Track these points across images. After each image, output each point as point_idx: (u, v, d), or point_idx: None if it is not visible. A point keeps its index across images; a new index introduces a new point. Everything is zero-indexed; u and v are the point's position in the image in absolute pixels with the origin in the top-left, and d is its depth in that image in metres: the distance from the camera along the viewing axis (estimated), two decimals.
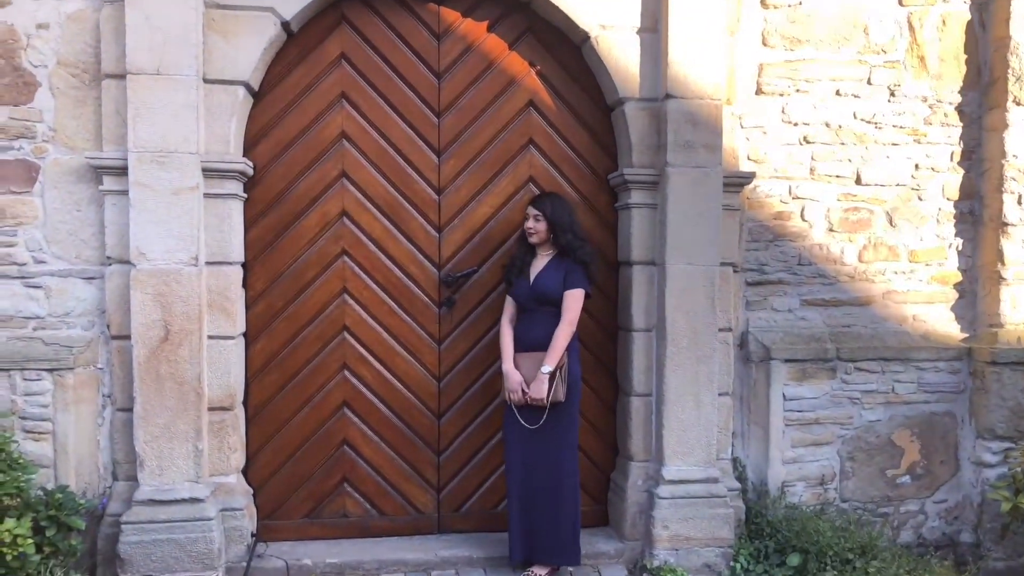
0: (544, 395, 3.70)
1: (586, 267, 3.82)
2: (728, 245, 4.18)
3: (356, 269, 4.13)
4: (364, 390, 4.17)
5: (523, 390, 3.74)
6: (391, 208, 4.15)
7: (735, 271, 4.27)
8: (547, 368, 3.70)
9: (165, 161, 3.63)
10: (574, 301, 3.77)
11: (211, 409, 3.81)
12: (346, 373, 4.15)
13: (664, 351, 4.03)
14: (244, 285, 4.02)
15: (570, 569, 3.92)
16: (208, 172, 3.73)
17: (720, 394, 4.16)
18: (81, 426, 3.78)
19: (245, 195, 3.97)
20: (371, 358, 4.17)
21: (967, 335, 4.55)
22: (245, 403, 4.05)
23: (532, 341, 3.82)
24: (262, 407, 4.09)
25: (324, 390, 4.14)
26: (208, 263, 3.78)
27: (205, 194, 3.74)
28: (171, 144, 3.63)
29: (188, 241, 3.66)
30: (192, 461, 3.70)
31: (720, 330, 4.13)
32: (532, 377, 3.74)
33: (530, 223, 3.85)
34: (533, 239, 3.86)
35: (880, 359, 4.37)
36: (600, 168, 4.31)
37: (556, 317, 3.76)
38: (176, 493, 3.68)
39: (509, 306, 3.99)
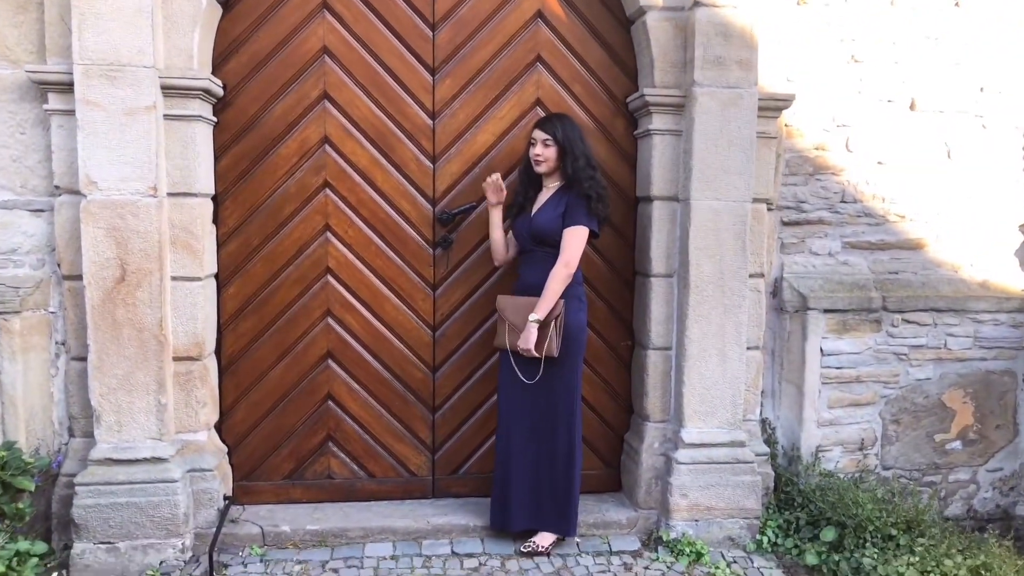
0: (530, 346, 3.31)
1: (589, 201, 3.36)
2: (762, 179, 3.72)
3: (340, 204, 3.73)
4: (350, 339, 3.79)
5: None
6: (379, 135, 3.72)
7: (769, 209, 3.82)
8: (534, 316, 3.30)
9: (117, 76, 3.21)
10: (573, 239, 3.33)
11: (176, 359, 3.46)
12: (330, 320, 3.77)
13: (687, 299, 3.60)
14: (215, 221, 3.63)
15: (576, 539, 3.58)
16: (168, 90, 3.30)
17: (749, 348, 3.74)
18: (31, 376, 3.43)
19: (214, 119, 3.56)
20: (358, 304, 3.78)
21: None
22: (218, 353, 3.69)
23: (529, 284, 3.42)
24: (237, 357, 3.73)
25: (306, 338, 3.77)
26: (170, 194, 3.38)
27: (165, 115, 3.33)
28: (123, 56, 3.21)
29: (145, 168, 3.26)
30: (154, 416, 3.35)
31: (751, 276, 3.70)
32: (523, 323, 3.35)
33: (538, 149, 3.40)
34: (541, 167, 3.43)
35: (932, 310, 3.92)
36: (617, 90, 3.83)
37: (556, 259, 3.35)
38: (136, 452, 3.34)
39: (513, 246, 3.61)
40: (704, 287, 3.61)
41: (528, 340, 3.32)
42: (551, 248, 3.36)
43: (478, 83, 3.75)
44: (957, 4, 3.86)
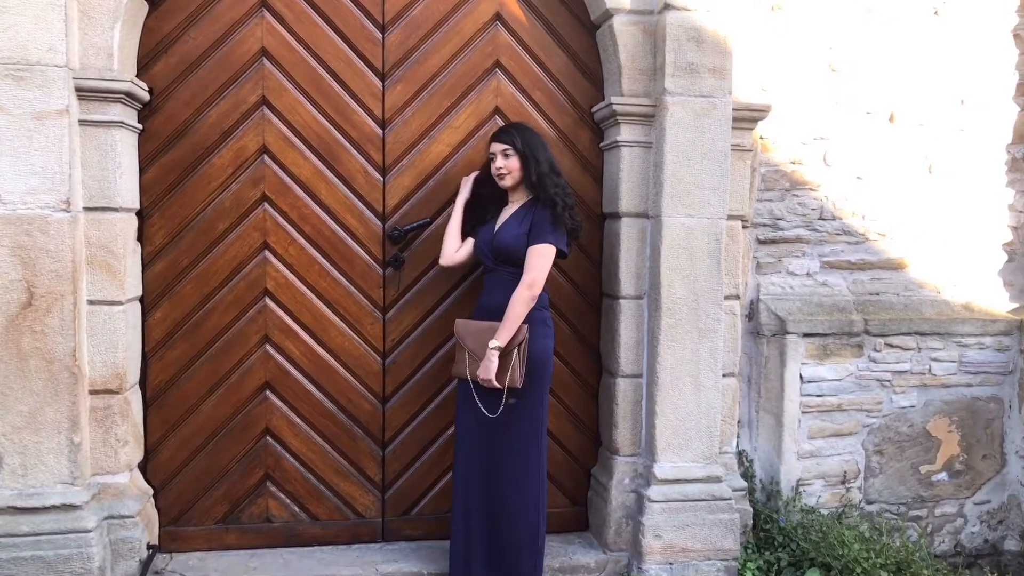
0: (491, 376, 3.02)
1: (555, 210, 3.07)
2: (737, 194, 3.51)
3: (280, 219, 3.42)
4: (291, 368, 3.47)
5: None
6: (324, 145, 3.43)
7: (744, 226, 3.61)
8: (495, 343, 3.01)
9: (24, 76, 2.88)
10: (538, 259, 3.05)
11: (94, 392, 3.11)
12: (268, 348, 3.45)
13: (658, 323, 3.36)
14: (140, 238, 3.31)
15: None
16: (84, 93, 2.98)
17: (724, 375, 3.51)
18: None
19: (139, 126, 3.24)
20: (299, 329, 3.47)
21: (1017, 305, 3.92)
22: (143, 384, 3.36)
23: (490, 307, 3.14)
24: (164, 389, 3.39)
25: (241, 368, 3.44)
26: (87, 209, 3.05)
27: (81, 121, 3.01)
28: (32, 54, 2.89)
29: (56, 180, 2.93)
30: (66, 458, 3.00)
31: (726, 298, 3.47)
32: (483, 351, 3.07)
33: (498, 162, 3.13)
34: (506, 181, 3.16)
35: (915, 333, 3.74)
36: (582, 99, 3.60)
37: (519, 279, 3.07)
38: (44, 498, 2.98)
39: (464, 248, 3.35)
40: (677, 310, 3.37)
41: (488, 370, 3.03)
42: (515, 268, 3.09)
43: (432, 89, 3.49)
44: (936, 13, 3.72)
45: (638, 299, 3.48)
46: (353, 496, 3.56)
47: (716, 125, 3.34)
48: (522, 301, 3.03)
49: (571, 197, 3.16)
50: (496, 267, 3.16)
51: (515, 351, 3.04)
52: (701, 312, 3.39)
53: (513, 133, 3.16)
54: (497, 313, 3.08)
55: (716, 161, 3.35)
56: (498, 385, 3.03)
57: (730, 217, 3.45)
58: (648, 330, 3.46)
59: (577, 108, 3.60)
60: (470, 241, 3.32)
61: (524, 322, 3.04)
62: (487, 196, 3.26)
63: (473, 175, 3.34)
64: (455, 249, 3.32)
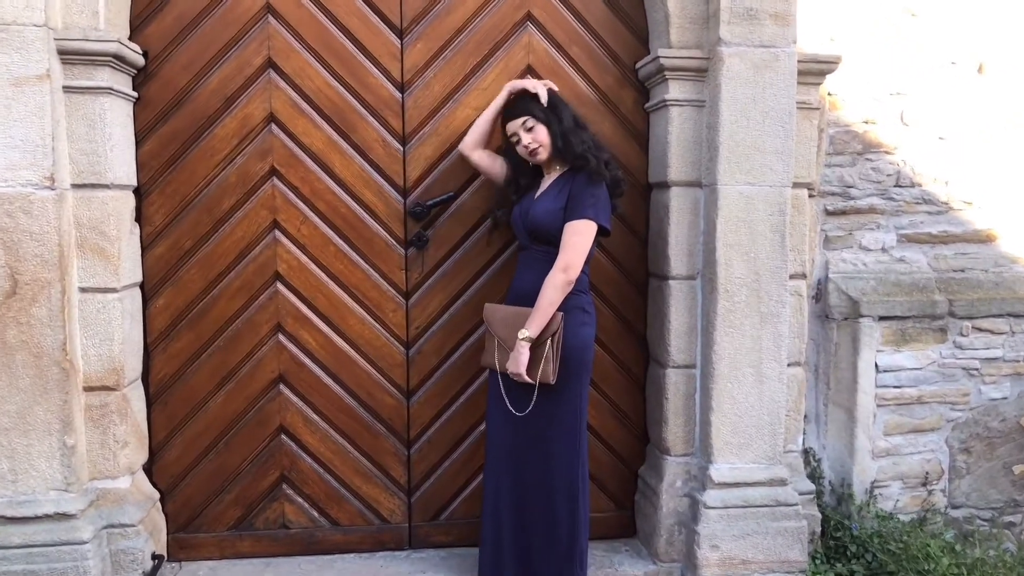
0: (521, 369, 2.68)
1: (592, 179, 2.71)
2: (802, 159, 3.12)
3: (291, 196, 3.12)
4: (306, 360, 3.18)
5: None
6: (337, 111, 3.11)
7: (811, 195, 3.21)
8: (524, 333, 2.67)
9: (0, 37, 2.62)
10: (576, 237, 2.68)
11: (88, 389, 2.85)
12: (281, 337, 3.16)
13: (714, 306, 3.00)
14: (138, 219, 3.03)
15: None
16: (68, 56, 2.69)
17: (789, 364, 3.13)
18: None
19: (134, 94, 2.96)
20: (314, 317, 3.17)
21: None
22: (145, 379, 3.09)
23: (523, 291, 2.80)
24: (168, 384, 3.12)
25: (252, 360, 3.15)
26: (75, 186, 2.77)
27: (66, 88, 2.72)
28: (7, 12, 2.60)
29: (38, 154, 2.64)
30: (59, 462, 2.74)
31: (791, 277, 3.09)
32: (514, 341, 2.73)
33: (524, 139, 2.78)
34: (540, 155, 2.79)
35: (1008, 315, 3.32)
36: (625, 54, 3.23)
37: (554, 259, 2.72)
38: (36, 507, 2.73)
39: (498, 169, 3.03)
40: (736, 292, 3.00)
41: (518, 363, 2.69)
42: (550, 247, 2.74)
43: (456, 47, 3.14)
44: None
45: (690, 279, 3.12)
46: (377, 499, 3.27)
47: (779, 79, 2.94)
48: (556, 286, 2.68)
49: (606, 152, 2.81)
50: (530, 245, 2.82)
51: (548, 342, 2.69)
52: (763, 294, 3.01)
53: (527, 100, 2.80)
54: (530, 298, 2.74)
55: (779, 121, 2.96)
56: (529, 380, 2.70)
57: (795, 185, 3.06)
58: (702, 314, 3.09)
59: (619, 65, 3.23)
60: (499, 159, 2.98)
61: (559, 309, 2.70)
62: (525, 179, 2.92)
63: (519, 83, 2.91)
64: (475, 144, 2.98)
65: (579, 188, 2.71)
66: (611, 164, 2.79)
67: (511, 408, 2.76)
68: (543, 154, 2.80)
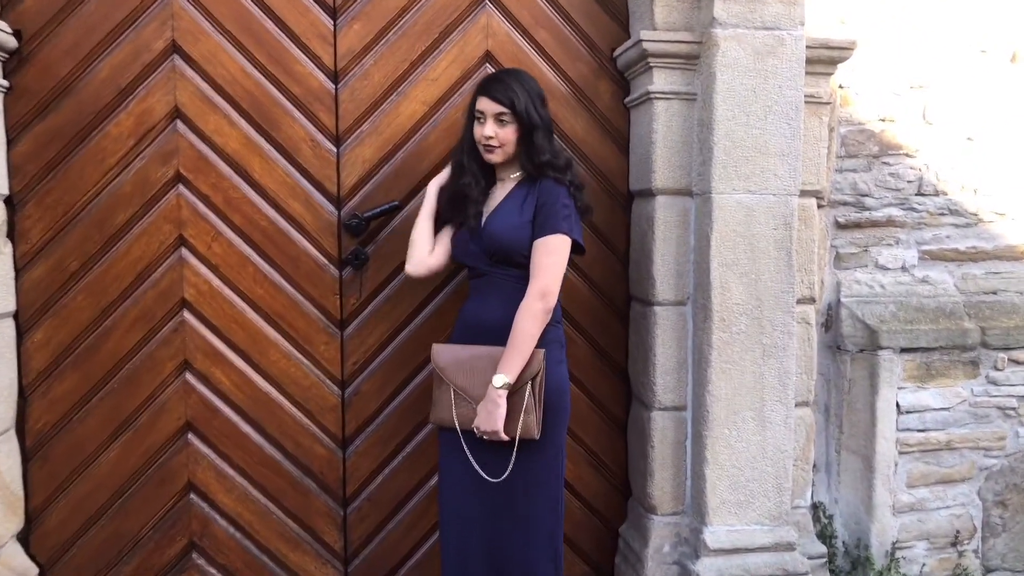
0: (498, 426, 2.19)
1: (569, 193, 2.27)
2: (811, 162, 2.67)
3: (200, 207, 2.62)
4: (220, 404, 2.67)
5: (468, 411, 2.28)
6: (256, 105, 2.61)
7: (820, 205, 2.76)
8: (502, 379, 2.17)
9: None
10: (551, 257, 2.21)
11: None
12: (189, 377, 2.65)
13: (708, 337, 2.54)
14: (10, 234, 2.52)
15: None
16: None
17: (797, 405, 2.70)
18: None
19: (5, 83, 2.45)
20: (229, 352, 2.67)
21: None
22: (20, 430, 2.57)
23: (482, 325, 2.30)
24: (50, 435, 2.59)
25: (154, 404, 2.63)
26: None
27: None
28: None
29: None
30: None
31: (799, 302, 2.65)
32: (481, 390, 2.27)
33: (489, 128, 2.26)
34: (496, 155, 2.30)
35: None
36: (602, 39, 2.77)
37: (524, 287, 2.24)
38: None
39: (441, 246, 2.49)
40: (734, 320, 2.54)
41: (494, 418, 2.17)
42: (515, 269, 2.26)
43: (400, 29, 2.66)
44: None
45: (679, 305, 2.65)
46: (307, 570, 2.74)
47: (784, 67, 2.49)
48: (534, 316, 2.18)
49: (572, 169, 2.33)
50: (489, 269, 2.33)
51: (527, 388, 2.20)
52: (766, 322, 2.55)
53: (514, 89, 2.26)
54: (492, 332, 2.25)
55: (784, 116, 2.51)
56: (506, 438, 2.21)
57: (802, 193, 2.62)
58: (694, 347, 2.63)
59: (595, 52, 2.77)
60: (446, 237, 2.47)
61: (538, 345, 2.23)
62: (466, 171, 2.41)
63: (439, 179, 2.45)
64: (428, 251, 2.45)
65: (548, 196, 2.23)
66: (578, 186, 2.31)
67: (482, 474, 2.26)
68: (499, 156, 2.29)
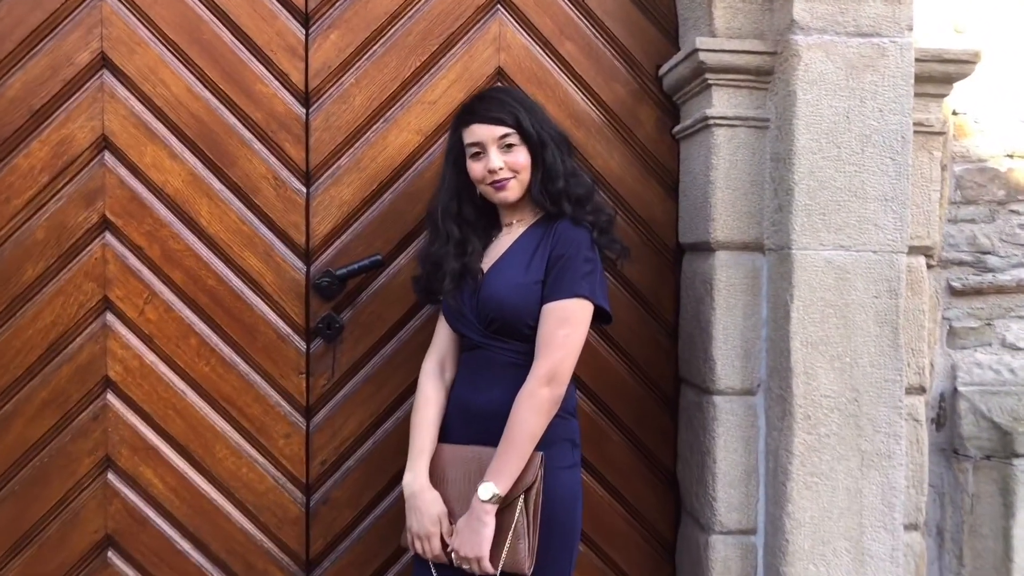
0: (482, 552, 1.63)
1: (598, 236, 1.75)
2: (918, 209, 2.06)
3: (131, 260, 2.08)
4: (150, 513, 2.10)
5: (442, 539, 1.72)
6: (206, 134, 2.09)
7: (929, 265, 2.17)
8: (490, 489, 1.63)
9: None
10: (564, 328, 1.68)
11: None
12: (112, 478, 2.09)
13: (788, 440, 1.92)
14: None
15: None
16: None
17: (906, 527, 2.07)
18: None
19: None
20: (164, 447, 2.10)
21: None
22: None
23: (474, 411, 1.77)
24: None
25: (66, 512, 2.07)
26: None
27: None
28: None
29: None
30: None
31: (906, 392, 2.04)
32: (463, 502, 1.70)
33: (495, 160, 1.72)
34: (511, 192, 1.75)
35: None
36: (644, 52, 2.21)
37: (528, 362, 1.70)
38: None
39: (441, 335, 1.92)
40: (823, 417, 1.92)
41: (478, 540, 1.63)
42: (519, 342, 1.72)
43: (389, 40, 2.13)
44: None
45: (747, 395, 2.04)
46: None
47: (887, 85, 1.91)
48: (537, 407, 1.64)
49: (607, 206, 1.84)
50: (484, 341, 1.77)
51: (519, 503, 1.64)
52: (865, 421, 1.94)
53: (510, 104, 1.75)
54: (486, 423, 1.71)
55: (887, 149, 1.92)
56: (491, 570, 1.64)
57: (912, 250, 2.03)
58: (768, 452, 2.02)
59: (635, 69, 2.21)
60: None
61: (538, 447, 1.67)
62: (458, 221, 1.85)
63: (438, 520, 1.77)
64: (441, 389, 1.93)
65: (564, 246, 1.69)
66: (604, 224, 1.77)
67: None
68: (515, 192, 1.76)
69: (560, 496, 1.71)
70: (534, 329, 1.71)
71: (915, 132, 2.02)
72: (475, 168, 1.78)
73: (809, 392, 1.93)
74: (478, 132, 1.76)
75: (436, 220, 1.85)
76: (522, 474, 1.66)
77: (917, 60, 1.96)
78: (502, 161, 1.74)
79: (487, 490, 1.63)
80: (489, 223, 1.86)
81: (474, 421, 1.75)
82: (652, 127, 2.22)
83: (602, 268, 1.75)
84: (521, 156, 1.75)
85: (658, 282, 2.24)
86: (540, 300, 1.70)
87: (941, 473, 2.19)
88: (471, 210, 1.83)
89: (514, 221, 1.82)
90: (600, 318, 1.77)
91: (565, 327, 1.68)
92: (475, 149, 1.78)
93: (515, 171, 1.75)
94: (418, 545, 1.74)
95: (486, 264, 1.80)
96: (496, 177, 1.75)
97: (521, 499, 1.66)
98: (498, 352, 1.76)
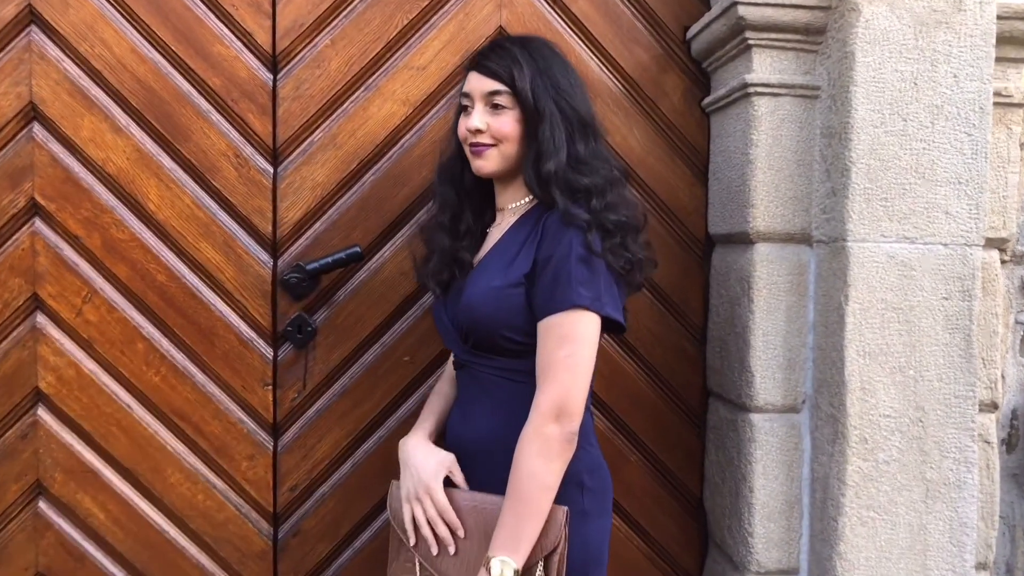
0: None
1: (611, 242, 1.38)
2: (993, 195, 1.79)
3: (66, 252, 1.78)
4: (89, 547, 1.80)
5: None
6: (154, 102, 1.78)
7: (1003, 260, 1.88)
8: (505, 565, 1.29)
9: None
10: (567, 347, 1.34)
11: None
12: (43, 507, 1.79)
13: (840, 467, 1.63)
14: None
15: None
16: None
17: (977, 568, 1.79)
18: None
19: None
20: (106, 470, 1.80)
21: None
22: None
23: (463, 446, 1.47)
24: None
25: None
26: None
27: None
28: None
29: None
30: None
31: (980, 410, 1.76)
32: (474, 557, 1.38)
33: (476, 118, 1.43)
34: (485, 162, 1.45)
35: None
36: (667, 11, 1.91)
37: (526, 386, 1.39)
38: None
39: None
40: (882, 441, 1.63)
41: None
42: (502, 358, 1.42)
43: None
44: None
45: (790, 412, 1.75)
46: None
47: (963, 46, 1.62)
48: (545, 452, 1.32)
49: (631, 207, 1.45)
50: (468, 359, 1.47)
51: (539, 569, 1.34)
52: (931, 444, 1.65)
53: (517, 57, 1.43)
54: (471, 462, 1.43)
55: (963, 122, 1.63)
56: None
57: (988, 242, 1.75)
58: (814, 480, 1.73)
59: (659, 31, 1.91)
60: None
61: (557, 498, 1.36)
62: (458, 195, 1.56)
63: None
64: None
65: (553, 246, 1.36)
66: (631, 238, 1.41)
67: None
68: (492, 164, 1.45)
69: (585, 555, 1.39)
70: (518, 342, 1.40)
71: (997, 104, 1.75)
72: (460, 125, 1.48)
73: (866, 411, 1.64)
74: (471, 81, 1.47)
75: (435, 183, 1.59)
76: (544, 536, 1.33)
77: (998, 17, 1.68)
78: (484, 122, 1.43)
79: (498, 567, 1.29)
80: (486, 202, 1.56)
81: (463, 458, 1.44)
82: (679, 98, 1.92)
83: (607, 268, 1.38)
84: (507, 122, 1.43)
85: (684, 279, 1.94)
86: (522, 308, 1.38)
87: (1012, 502, 1.91)
88: (472, 178, 1.52)
89: (507, 206, 1.51)
90: (611, 328, 1.44)
91: (566, 346, 1.34)
92: (465, 102, 1.48)
93: (497, 139, 1.44)
94: (408, 511, 1.44)
95: (477, 258, 1.50)
96: (474, 140, 1.45)
97: (540, 567, 1.34)
98: (482, 370, 1.45)
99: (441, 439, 1.56)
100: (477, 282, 1.43)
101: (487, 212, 1.55)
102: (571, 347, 1.33)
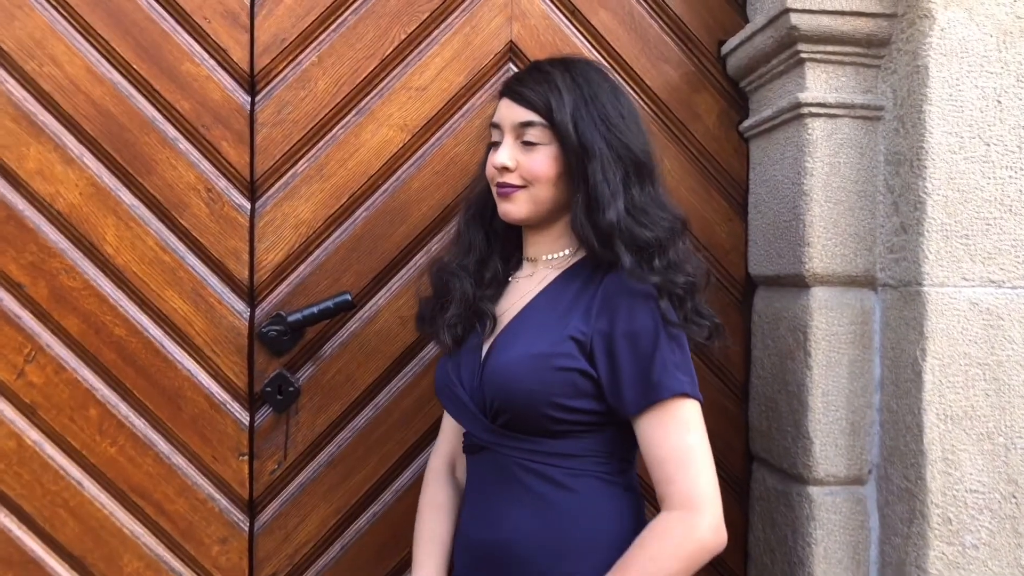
0: None
1: (677, 307, 1.17)
2: None
3: (7, 303, 1.51)
4: None
5: None
6: (113, 130, 1.54)
7: None
8: None
9: None
10: (687, 437, 1.14)
11: None
12: None
13: (918, 552, 1.36)
14: None
15: None
16: None
17: None
18: None
19: None
20: (51, 559, 1.52)
21: None
22: None
23: (486, 557, 1.20)
24: None
25: None
26: None
27: None
28: None
29: None
30: None
31: None
32: None
33: (504, 153, 1.21)
34: (513, 205, 1.22)
35: None
36: (699, 23, 1.70)
37: (571, 474, 1.17)
38: None
39: (451, 422, 1.38)
40: (969, 522, 1.38)
41: None
42: (541, 438, 1.17)
43: (364, 5, 1.61)
44: None
45: (855, 485, 1.50)
46: None
47: None
48: (686, 556, 1.11)
49: (693, 263, 1.23)
50: (492, 440, 1.22)
51: None
52: None
53: (557, 83, 1.20)
54: (496, 570, 1.18)
55: None
56: None
57: None
58: (884, 564, 1.47)
59: (690, 46, 1.70)
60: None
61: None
62: (496, 232, 1.33)
63: None
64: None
65: (636, 321, 1.15)
66: (695, 299, 1.21)
67: None
68: (521, 210, 1.22)
69: None
70: (564, 421, 1.16)
71: None
72: (489, 160, 1.26)
73: (949, 485, 1.39)
74: (501, 109, 1.25)
75: (460, 220, 1.36)
76: None
77: None
78: (513, 159, 1.21)
79: None
80: (513, 245, 1.33)
81: (481, 566, 1.20)
82: (713, 122, 1.70)
83: (686, 344, 1.19)
84: (540, 160, 1.20)
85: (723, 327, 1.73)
86: (572, 380, 1.15)
87: None
88: (487, 228, 1.30)
89: (541, 257, 1.27)
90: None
91: (693, 433, 1.15)
92: (494, 135, 1.26)
93: (528, 180, 1.21)
94: None
95: (503, 320, 1.25)
96: (501, 179, 1.23)
97: None
98: (511, 454, 1.20)
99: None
100: (512, 347, 1.19)
101: (513, 257, 1.32)
102: (696, 436, 1.14)
